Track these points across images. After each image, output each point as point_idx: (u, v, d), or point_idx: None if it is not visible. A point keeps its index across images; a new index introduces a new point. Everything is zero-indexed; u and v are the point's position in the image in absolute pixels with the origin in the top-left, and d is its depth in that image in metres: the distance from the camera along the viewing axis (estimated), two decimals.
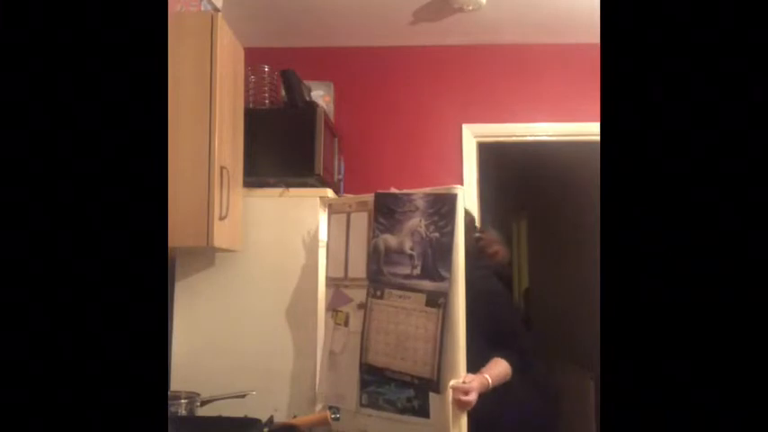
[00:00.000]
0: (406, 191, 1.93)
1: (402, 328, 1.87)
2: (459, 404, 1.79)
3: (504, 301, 2.17)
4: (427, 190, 1.89)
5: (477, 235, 2.32)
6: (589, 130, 2.87)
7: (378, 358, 1.89)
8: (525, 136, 3.02)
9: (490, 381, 1.88)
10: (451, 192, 1.85)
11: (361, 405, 1.92)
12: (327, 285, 2.10)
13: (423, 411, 1.82)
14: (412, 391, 1.84)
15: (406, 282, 1.89)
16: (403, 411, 1.85)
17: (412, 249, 1.90)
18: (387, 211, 1.93)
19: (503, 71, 3.03)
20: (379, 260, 1.94)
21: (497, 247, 2.40)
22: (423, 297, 1.85)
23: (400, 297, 1.88)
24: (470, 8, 2.59)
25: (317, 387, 2.06)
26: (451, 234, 1.83)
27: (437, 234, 1.85)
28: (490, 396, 1.88)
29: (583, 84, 2.88)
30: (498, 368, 1.93)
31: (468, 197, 2.93)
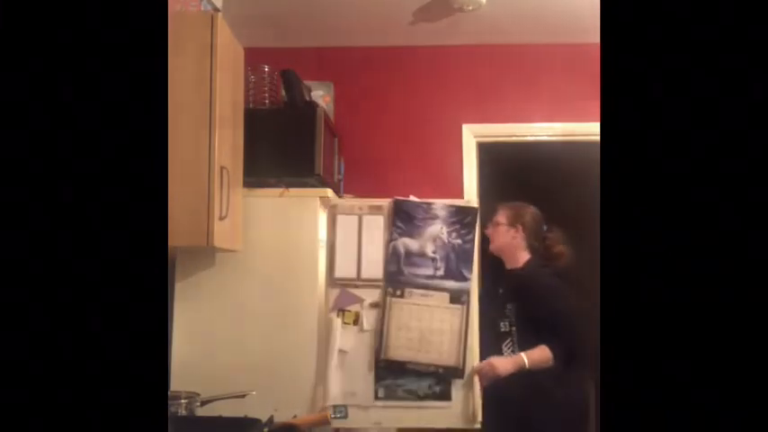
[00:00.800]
0: (426, 200, 2.17)
1: (426, 324, 2.11)
2: (482, 373, 2.13)
3: (563, 299, 2.28)
4: (447, 201, 2.18)
5: (545, 228, 2.46)
6: (589, 130, 2.87)
7: (399, 352, 2.10)
8: (525, 136, 3.02)
9: (526, 361, 2.16)
10: (473, 206, 2.20)
11: (377, 398, 2.11)
12: (332, 286, 2.12)
13: (445, 396, 2.12)
14: (434, 378, 2.12)
15: (430, 282, 2.13)
16: (424, 398, 2.11)
17: (434, 253, 2.14)
18: (406, 217, 2.15)
19: (503, 71, 3.03)
20: (398, 261, 2.15)
21: (562, 248, 2.45)
22: (446, 295, 2.14)
23: (423, 296, 2.13)
24: (470, 8, 2.59)
25: (327, 386, 2.08)
26: (473, 242, 2.18)
27: (459, 241, 2.15)
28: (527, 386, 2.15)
29: (583, 84, 2.87)
30: (538, 353, 2.17)
31: (468, 197, 2.94)
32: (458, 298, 2.14)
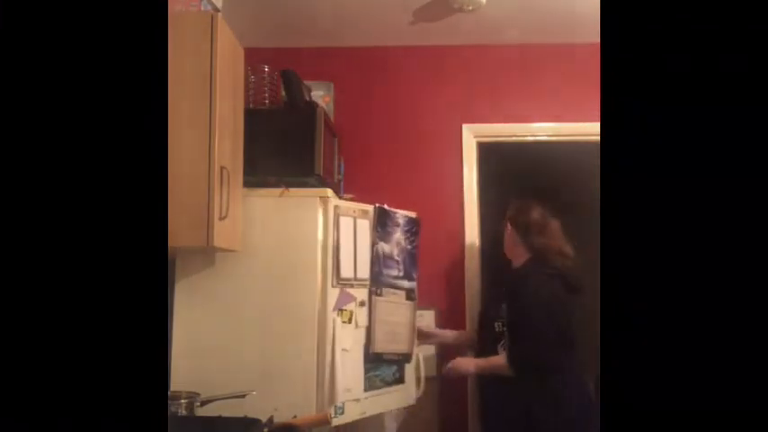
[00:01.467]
0: (392, 209, 2.40)
1: (394, 318, 2.39)
2: (448, 374, 2.41)
3: (533, 302, 2.26)
4: (402, 212, 2.45)
5: (544, 225, 2.41)
6: (589, 130, 2.87)
7: (380, 345, 2.31)
8: (525, 136, 3.02)
9: (483, 365, 2.33)
10: (417, 217, 2.51)
11: (365, 390, 2.24)
12: (334, 286, 2.13)
13: (401, 379, 2.42)
14: (396, 365, 2.39)
15: (396, 281, 2.40)
16: (391, 384, 2.37)
17: (398, 256, 2.42)
18: (382, 223, 2.36)
19: (503, 71, 3.03)
20: (380, 263, 2.33)
21: (553, 243, 2.38)
22: (404, 293, 2.45)
23: (392, 294, 2.39)
24: (470, 8, 2.59)
25: (335, 387, 2.10)
26: (417, 248, 2.51)
27: (409, 246, 2.47)
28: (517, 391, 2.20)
29: (583, 84, 2.87)
30: (495, 359, 2.30)
31: (468, 197, 2.95)
32: (410, 295, 2.46)
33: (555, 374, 2.19)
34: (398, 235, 2.42)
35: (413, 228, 2.49)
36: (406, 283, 2.44)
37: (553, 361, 2.17)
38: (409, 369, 2.46)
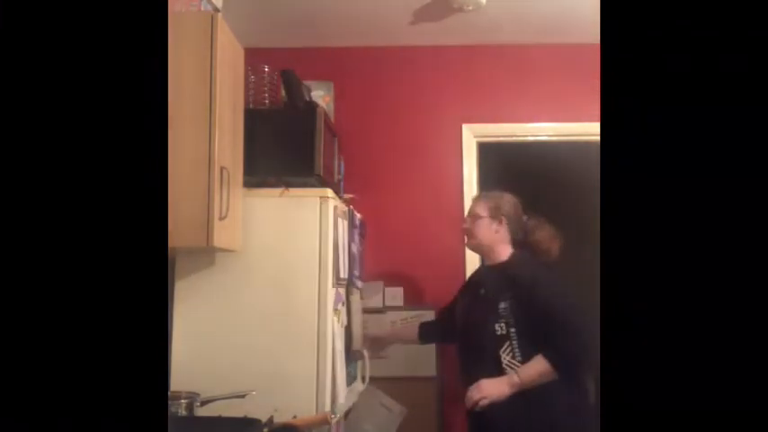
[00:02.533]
0: (355, 211, 2.47)
1: (358, 317, 2.52)
2: (474, 401, 2.05)
3: (556, 292, 2.06)
4: (357, 214, 2.53)
5: (525, 218, 2.29)
6: (589, 130, 2.87)
7: (356, 343, 2.45)
8: (525, 136, 3.02)
9: (520, 379, 2.02)
10: (362, 219, 2.60)
11: (347, 387, 2.30)
12: (333, 286, 2.14)
13: (355, 375, 2.53)
14: (354, 362, 2.50)
15: (356, 281, 2.49)
16: (354, 379, 2.49)
17: (357, 256, 2.50)
18: (352, 224, 2.45)
19: (503, 71, 3.03)
20: (353, 263, 2.39)
21: (541, 234, 2.24)
22: (359, 292, 2.57)
23: (355, 292, 2.52)
24: (470, 8, 2.59)
25: (336, 388, 2.12)
26: (362, 247, 2.62)
27: (361, 247, 2.59)
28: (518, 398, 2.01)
29: (583, 84, 2.88)
30: (534, 368, 2.01)
31: (468, 197, 2.95)
32: (361, 294, 2.61)
33: (590, 372, 1.98)
34: (356, 236, 2.51)
35: (362, 230, 2.58)
36: (360, 283, 2.55)
37: (594, 355, 1.85)
38: (360, 365, 2.55)
